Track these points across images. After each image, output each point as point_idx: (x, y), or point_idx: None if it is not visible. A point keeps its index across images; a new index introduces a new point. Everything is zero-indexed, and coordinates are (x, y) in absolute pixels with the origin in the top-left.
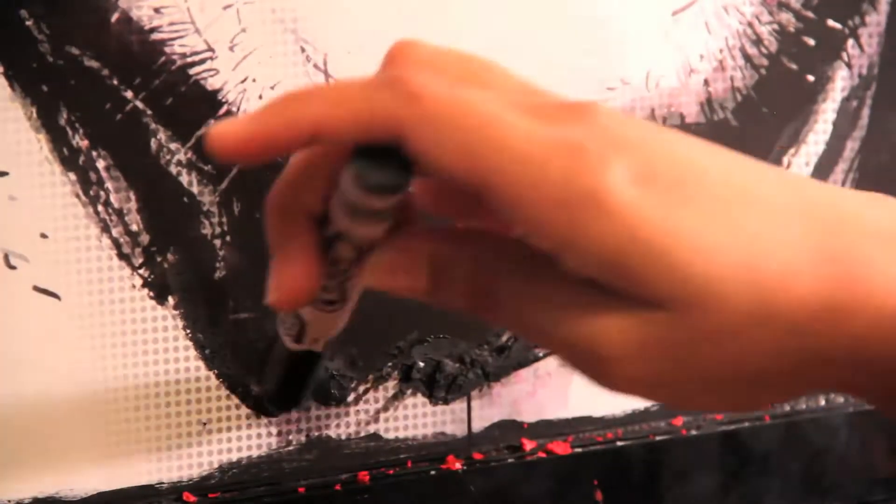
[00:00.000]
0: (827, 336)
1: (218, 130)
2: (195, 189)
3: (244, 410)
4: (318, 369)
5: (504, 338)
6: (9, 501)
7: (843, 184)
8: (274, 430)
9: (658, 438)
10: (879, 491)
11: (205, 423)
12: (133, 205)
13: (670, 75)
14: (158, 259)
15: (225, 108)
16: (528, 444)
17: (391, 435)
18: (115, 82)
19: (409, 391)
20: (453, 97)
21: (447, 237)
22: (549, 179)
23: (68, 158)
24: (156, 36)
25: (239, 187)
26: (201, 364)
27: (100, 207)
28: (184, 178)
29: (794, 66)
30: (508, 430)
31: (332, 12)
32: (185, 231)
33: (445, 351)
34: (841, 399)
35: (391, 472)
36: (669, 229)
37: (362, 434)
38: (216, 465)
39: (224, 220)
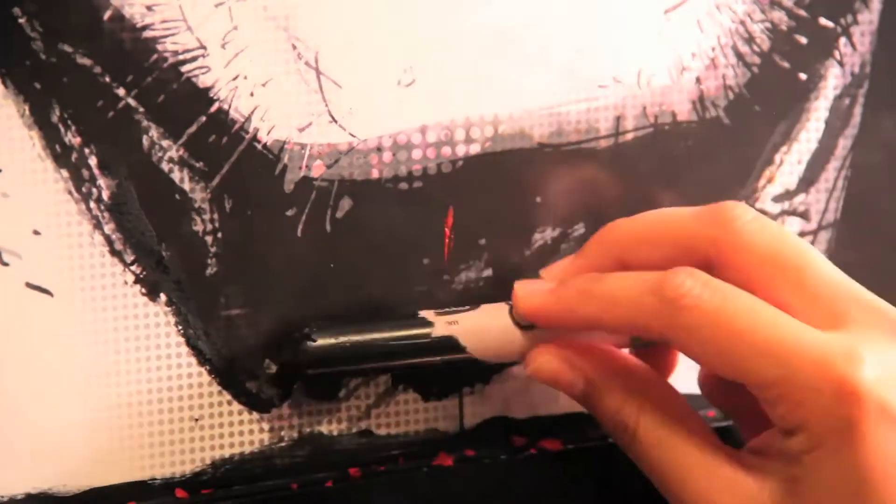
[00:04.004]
0: None
1: (524, 293)
2: (187, 186)
3: (236, 406)
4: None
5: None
6: (2, 497)
7: (835, 182)
8: (266, 426)
9: None
10: None
11: (197, 419)
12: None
13: (662, 73)
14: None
15: (216, 105)
16: (520, 441)
17: (383, 431)
18: (108, 80)
19: (400, 387)
20: (717, 308)
21: (605, 362)
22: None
23: (61, 155)
24: (148, 33)
25: (230, 184)
26: (193, 360)
27: (92, 204)
28: (175, 175)
29: (786, 65)
30: (500, 426)
31: (323, 10)
32: (177, 227)
33: None
34: None
35: (383, 468)
36: None
37: (354, 430)
38: (208, 461)
39: (216, 216)
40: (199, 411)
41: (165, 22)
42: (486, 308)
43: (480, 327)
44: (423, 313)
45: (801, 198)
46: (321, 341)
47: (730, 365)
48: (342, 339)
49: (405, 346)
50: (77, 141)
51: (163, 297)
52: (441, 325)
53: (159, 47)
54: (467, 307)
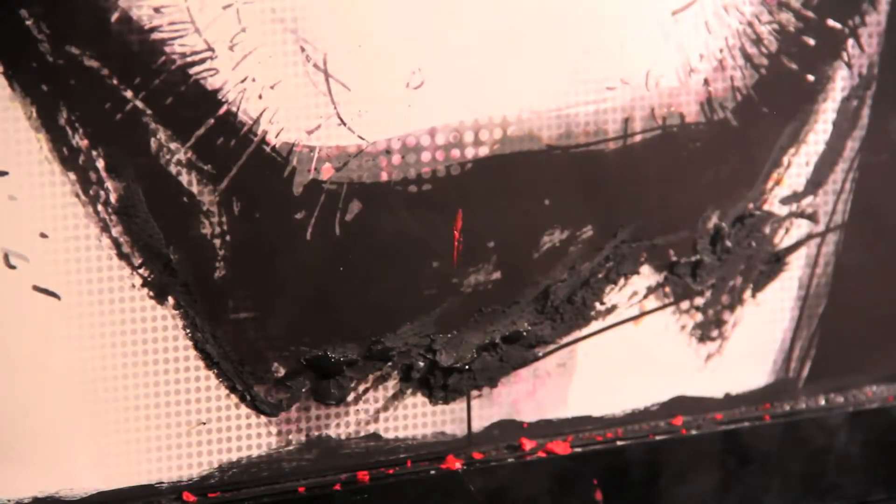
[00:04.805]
0: None
1: None
2: (195, 189)
3: (244, 410)
4: None
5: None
6: (9, 501)
7: (843, 183)
8: (273, 430)
9: (658, 438)
10: (879, 491)
11: (204, 423)
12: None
13: (670, 75)
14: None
15: (225, 107)
16: (528, 444)
17: (391, 434)
18: (115, 82)
19: (408, 391)
20: None
21: None
22: None
23: (68, 158)
24: (156, 35)
25: (239, 187)
26: (201, 364)
27: (99, 207)
28: (184, 178)
29: (794, 66)
30: (508, 429)
31: (331, 12)
32: (185, 230)
33: (446, 350)
34: (841, 399)
35: (391, 471)
36: None
37: (362, 434)
38: (216, 465)
39: (224, 219)
40: (206, 415)
41: (173, 24)
42: None
43: None
44: None
45: (808, 200)
46: None
47: None
48: None
49: None
50: (84, 143)
51: (170, 300)
52: None
53: (167, 49)
54: None
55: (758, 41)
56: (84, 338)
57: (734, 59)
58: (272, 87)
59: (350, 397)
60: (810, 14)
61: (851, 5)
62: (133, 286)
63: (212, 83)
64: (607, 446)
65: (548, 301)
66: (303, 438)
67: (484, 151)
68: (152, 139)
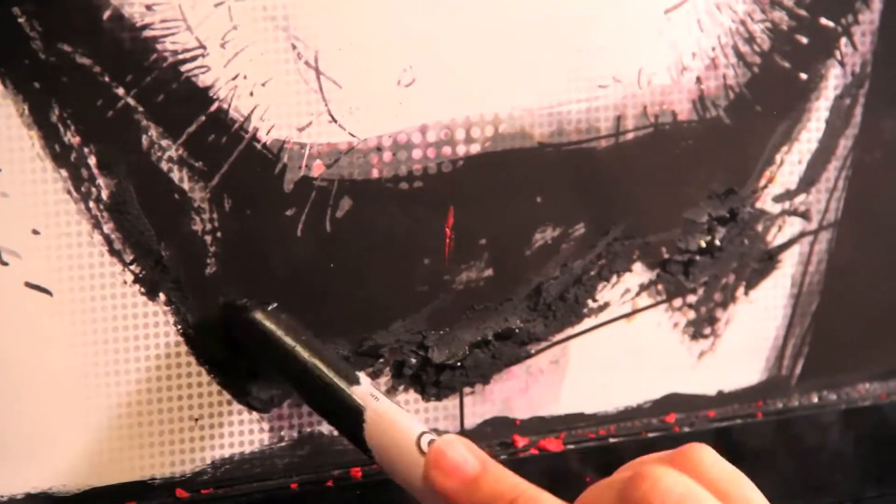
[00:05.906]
0: None
1: (445, 464)
2: (186, 185)
3: (236, 406)
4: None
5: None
6: (1, 497)
7: (836, 181)
8: (266, 426)
9: (650, 435)
10: (871, 488)
11: (197, 419)
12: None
13: (662, 73)
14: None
15: (216, 104)
16: (521, 441)
17: None
18: (107, 79)
19: (400, 387)
20: None
21: None
22: None
23: (60, 155)
24: (147, 33)
25: (230, 184)
26: (192, 359)
27: (91, 204)
28: (175, 175)
29: (786, 64)
30: (500, 426)
31: (323, 9)
32: (176, 227)
33: (438, 347)
34: (834, 396)
35: None
36: None
37: None
38: (208, 461)
39: (215, 216)
40: (198, 411)
41: (165, 21)
42: (411, 418)
43: (391, 422)
44: (369, 387)
45: (801, 198)
46: (260, 316)
47: None
48: (278, 332)
49: (318, 380)
50: (76, 140)
51: (162, 296)
52: (365, 391)
53: (159, 47)
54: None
55: (750, 39)
56: (76, 334)
57: (727, 57)
58: (263, 85)
59: None
60: (803, 12)
61: (845, 4)
62: (125, 282)
63: (203, 80)
64: (600, 443)
65: (540, 298)
66: (295, 435)
67: (475, 149)
68: (144, 136)
